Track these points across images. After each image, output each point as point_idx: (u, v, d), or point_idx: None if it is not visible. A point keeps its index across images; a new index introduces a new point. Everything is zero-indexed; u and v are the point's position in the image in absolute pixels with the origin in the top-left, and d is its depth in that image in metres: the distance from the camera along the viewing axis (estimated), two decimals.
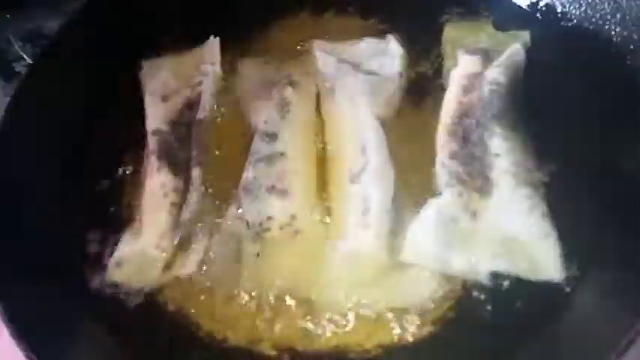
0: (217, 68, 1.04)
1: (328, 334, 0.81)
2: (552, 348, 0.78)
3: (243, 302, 0.83)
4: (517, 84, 0.96)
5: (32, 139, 0.94)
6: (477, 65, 0.96)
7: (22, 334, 0.74)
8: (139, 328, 0.84)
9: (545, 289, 0.81)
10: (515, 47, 0.99)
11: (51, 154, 0.96)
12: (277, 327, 0.82)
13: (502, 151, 0.87)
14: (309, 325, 0.81)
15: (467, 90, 0.94)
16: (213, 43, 1.06)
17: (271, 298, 0.83)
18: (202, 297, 0.85)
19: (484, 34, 1.05)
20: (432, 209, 0.84)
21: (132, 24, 1.08)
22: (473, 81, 0.95)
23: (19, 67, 1.20)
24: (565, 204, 0.86)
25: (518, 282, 0.81)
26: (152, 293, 0.85)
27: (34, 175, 0.92)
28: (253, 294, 0.83)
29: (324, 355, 0.80)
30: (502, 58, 0.97)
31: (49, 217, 0.90)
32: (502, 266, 0.81)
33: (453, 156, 0.88)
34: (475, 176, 0.86)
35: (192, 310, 0.84)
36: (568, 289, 0.80)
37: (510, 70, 0.96)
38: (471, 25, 1.06)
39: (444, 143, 0.90)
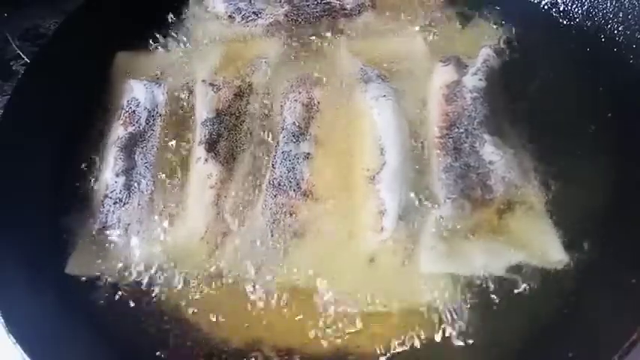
0: (271, 63, 1.04)
1: (332, 337, 0.81)
2: (555, 349, 0.77)
3: (244, 303, 0.83)
4: (498, 86, 0.97)
5: (29, 138, 0.94)
6: (453, 73, 0.97)
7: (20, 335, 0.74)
8: (139, 329, 0.83)
9: (548, 292, 0.81)
10: (486, 52, 0.99)
11: (48, 152, 0.96)
12: (279, 328, 0.82)
13: (496, 158, 0.88)
14: (312, 327, 0.81)
15: (449, 99, 0.94)
16: (275, 40, 1.07)
17: (276, 299, 0.83)
18: (203, 298, 0.85)
19: (455, 34, 1.06)
20: (434, 222, 0.85)
21: (129, 23, 1.08)
22: (453, 89, 0.95)
23: (17, 66, 1.20)
24: (566, 205, 0.87)
25: (521, 284, 0.82)
26: (152, 294, 0.85)
27: (30, 172, 0.92)
28: (257, 294, 0.84)
29: (325, 357, 0.80)
30: (478, 65, 0.97)
31: (45, 214, 0.91)
32: (513, 259, 0.82)
33: (447, 169, 0.88)
34: (474, 186, 0.86)
35: (193, 311, 0.84)
36: (571, 291, 0.81)
37: (488, 75, 0.96)
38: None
39: (436, 157, 0.90)
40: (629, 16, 0.97)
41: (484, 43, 1.02)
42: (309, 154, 0.92)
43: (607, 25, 0.99)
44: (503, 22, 1.07)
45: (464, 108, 0.93)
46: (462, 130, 0.91)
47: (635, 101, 0.92)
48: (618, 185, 0.88)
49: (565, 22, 1.06)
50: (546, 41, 1.04)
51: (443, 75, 0.98)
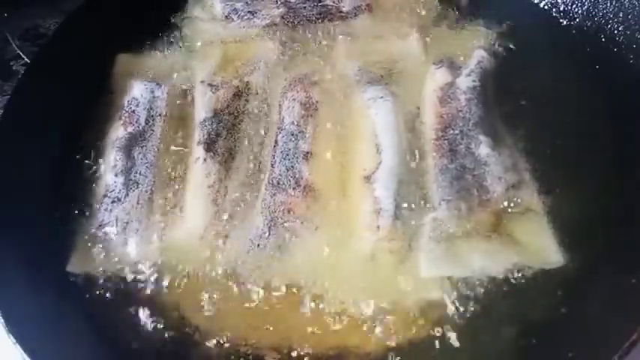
0: (269, 63, 1.05)
1: (330, 336, 0.81)
2: (555, 349, 0.77)
3: (243, 302, 0.84)
4: (496, 87, 0.98)
5: (29, 138, 0.94)
6: (447, 75, 0.97)
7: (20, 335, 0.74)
8: (139, 328, 0.83)
9: (547, 292, 0.81)
10: (480, 54, 1.00)
11: (48, 152, 0.96)
12: (277, 328, 0.82)
13: (491, 159, 0.88)
14: (311, 326, 0.82)
15: (443, 101, 0.95)
16: (272, 41, 1.08)
17: (275, 298, 0.84)
18: (202, 297, 0.85)
19: (452, 35, 1.07)
20: (431, 224, 0.85)
21: (129, 23, 1.08)
22: (447, 91, 0.96)
23: (17, 66, 1.20)
24: (564, 205, 0.87)
25: (520, 283, 0.82)
26: (151, 293, 0.85)
27: (30, 172, 0.92)
28: (255, 293, 0.84)
29: (324, 356, 0.80)
30: (471, 66, 0.98)
31: (45, 214, 0.91)
32: (511, 260, 0.83)
33: (443, 171, 0.89)
34: (470, 188, 0.87)
35: (192, 310, 0.84)
36: (571, 291, 0.81)
37: (482, 76, 0.97)
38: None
39: (432, 159, 0.91)
40: (629, 16, 0.97)
41: (480, 44, 1.03)
42: (307, 152, 0.92)
43: (607, 25, 1.00)
44: (502, 22, 1.07)
45: (458, 109, 0.93)
46: (457, 132, 0.91)
47: (635, 101, 0.93)
48: (617, 185, 0.89)
49: (565, 22, 1.06)
50: (546, 41, 1.04)
51: (437, 77, 0.98)
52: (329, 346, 0.80)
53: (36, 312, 0.80)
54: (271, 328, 0.82)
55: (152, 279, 0.86)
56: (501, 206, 0.86)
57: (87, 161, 0.97)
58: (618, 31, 0.98)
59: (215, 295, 0.84)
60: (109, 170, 0.93)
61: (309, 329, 0.81)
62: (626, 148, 0.91)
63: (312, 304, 0.82)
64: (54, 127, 0.97)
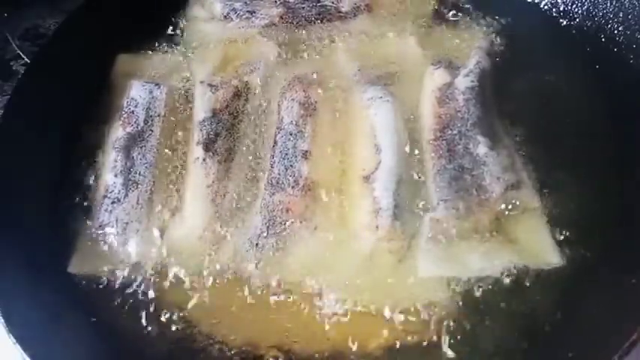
0: (269, 63, 1.05)
1: (329, 336, 0.81)
2: (555, 349, 0.78)
3: (243, 302, 0.84)
4: (495, 87, 0.98)
5: (29, 138, 0.94)
6: (445, 76, 0.97)
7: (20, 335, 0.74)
8: (139, 328, 0.84)
9: (547, 292, 0.81)
10: (478, 54, 1.00)
11: (47, 152, 0.96)
12: (277, 327, 0.82)
13: (489, 160, 0.88)
14: (309, 326, 0.82)
15: (442, 102, 0.95)
16: (272, 41, 1.08)
17: (274, 297, 0.84)
18: (202, 297, 0.85)
19: (451, 35, 1.07)
20: (429, 225, 0.85)
21: (129, 23, 1.08)
22: (445, 92, 0.96)
23: (17, 66, 1.20)
24: (564, 205, 0.87)
25: (520, 283, 0.82)
26: (151, 293, 0.86)
27: (30, 172, 0.92)
28: (254, 292, 0.84)
29: (323, 356, 0.80)
30: (470, 67, 0.98)
31: (45, 214, 0.91)
32: (510, 261, 0.83)
33: (441, 172, 0.89)
34: (469, 188, 0.87)
35: (192, 310, 0.84)
36: (571, 291, 0.81)
37: (481, 77, 0.97)
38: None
39: (430, 160, 0.91)
40: (629, 16, 0.97)
41: (479, 44, 1.03)
42: (306, 152, 0.92)
43: (607, 25, 1.00)
44: (502, 22, 1.07)
45: (456, 110, 0.93)
46: (455, 132, 0.91)
47: (635, 101, 0.93)
48: (617, 185, 0.89)
49: (565, 22, 1.06)
50: (546, 41, 1.04)
51: (435, 77, 0.98)
52: (328, 346, 0.80)
53: (36, 312, 0.80)
54: (271, 328, 0.82)
55: (152, 279, 0.86)
56: (500, 206, 0.86)
57: (87, 161, 0.97)
58: (618, 31, 0.98)
59: (215, 295, 0.85)
60: (109, 171, 0.93)
61: (309, 329, 0.81)
62: (626, 148, 0.91)
63: (311, 304, 0.83)
64: (54, 127, 0.97)
